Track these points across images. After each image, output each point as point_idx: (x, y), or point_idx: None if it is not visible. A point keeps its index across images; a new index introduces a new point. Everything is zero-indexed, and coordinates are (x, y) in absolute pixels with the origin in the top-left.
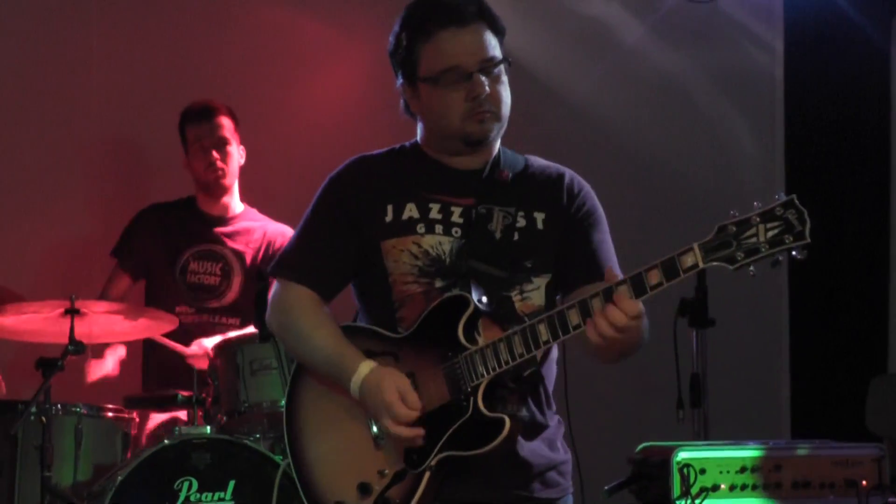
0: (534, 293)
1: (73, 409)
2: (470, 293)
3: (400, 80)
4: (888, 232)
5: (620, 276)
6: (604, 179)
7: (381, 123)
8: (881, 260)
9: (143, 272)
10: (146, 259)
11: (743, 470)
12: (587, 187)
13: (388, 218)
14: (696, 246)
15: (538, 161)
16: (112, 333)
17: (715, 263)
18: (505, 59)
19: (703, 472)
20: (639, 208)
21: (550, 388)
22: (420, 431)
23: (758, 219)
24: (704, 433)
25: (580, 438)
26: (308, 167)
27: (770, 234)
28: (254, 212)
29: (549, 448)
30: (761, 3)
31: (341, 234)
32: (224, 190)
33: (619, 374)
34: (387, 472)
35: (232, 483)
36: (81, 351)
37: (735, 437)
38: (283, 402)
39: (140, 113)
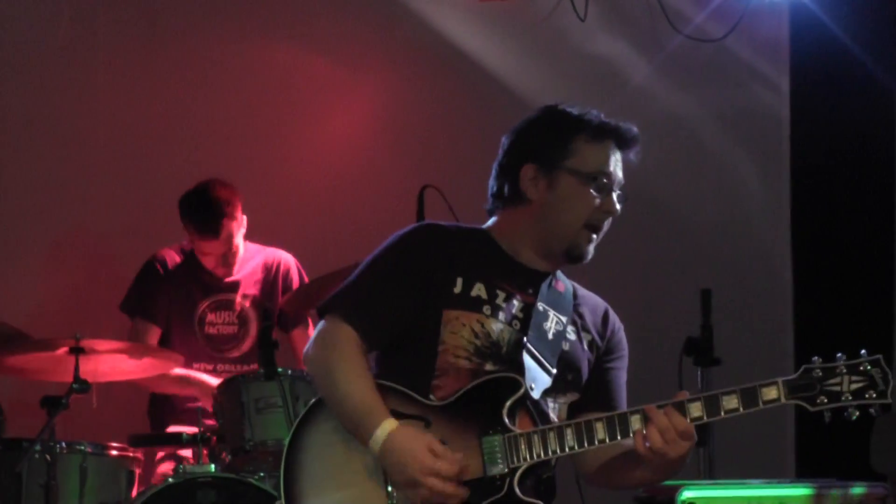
0: (562, 406)
1: (78, 447)
2: (523, 379)
3: (521, 162)
4: (893, 272)
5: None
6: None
7: (389, 162)
8: (886, 299)
9: (165, 323)
10: (166, 309)
11: None
12: (623, 327)
13: (457, 289)
14: (780, 382)
15: (581, 288)
16: (117, 372)
17: (796, 402)
18: (624, 196)
19: None
20: (644, 247)
21: (553, 498)
22: (466, 491)
23: (843, 370)
24: (709, 472)
25: None
26: (316, 206)
27: (854, 386)
28: (248, 246)
29: None
30: (767, 42)
31: (405, 292)
32: (231, 274)
33: None
34: None
35: None
36: (86, 389)
37: (740, 475)
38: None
39: (146, 156)
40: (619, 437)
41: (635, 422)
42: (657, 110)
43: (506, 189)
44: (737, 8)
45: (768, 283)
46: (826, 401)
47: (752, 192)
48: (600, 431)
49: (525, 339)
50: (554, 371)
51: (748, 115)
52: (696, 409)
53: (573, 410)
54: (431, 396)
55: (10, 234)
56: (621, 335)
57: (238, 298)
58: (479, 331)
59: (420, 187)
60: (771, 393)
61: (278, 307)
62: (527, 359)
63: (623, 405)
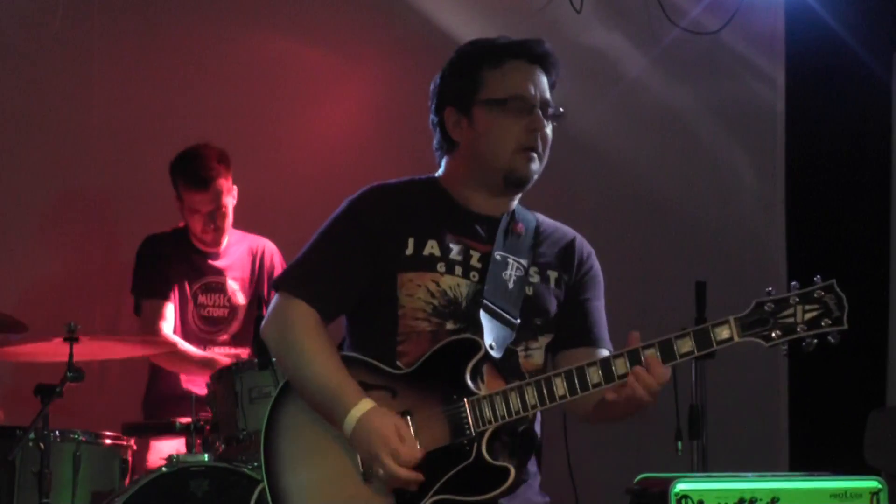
0: (536, 352)
1: (72, 435)
2: (482, 339)
3: (442, 109)
4: (888, 266)
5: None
6: (605, 211)
7: (383, 153)
8: (881, 293)
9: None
10: (171, 286)
11: (741, 502)
12: (593, 252)
13: (409, 251)
14: (731, 319)
15: (547, 220)
16: (111, 352)
17: (750, 339)
18: (559, 111)
19: (700, 503)
20: (640, 240)
21: (534, 448)
22: (419, 476)
23: (796, 299)
24: (703, 465)
25: (578, 469)
26: (309, 198)
27: (808, 315)
28: (234, 233)
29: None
30: (763, 35)
31: (356, 259)
32: (219, 244)
33: None
34: None
35: None
36: (80, 378)
37: (733, 468)
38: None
39: (140, 145)
40: (578, 392)
41: (593, 374)
42: (652, 103)
43: (439, 138)
44: (732, 1)
45: (763, 275)
46: (780, 334)
47: (747, 185)
48: (560, 388)
49: (483, 292)
50: (517, 321)
51: (743, 109)
52: (651, 355)
53: (555, 349)
54: (398, 363)
55: (4, 222)
56: (591, 263)
57: (227, 282)
58: (435, 290)
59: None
60: (723, 332)
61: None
62: (486, 313)
63: (603, 337)
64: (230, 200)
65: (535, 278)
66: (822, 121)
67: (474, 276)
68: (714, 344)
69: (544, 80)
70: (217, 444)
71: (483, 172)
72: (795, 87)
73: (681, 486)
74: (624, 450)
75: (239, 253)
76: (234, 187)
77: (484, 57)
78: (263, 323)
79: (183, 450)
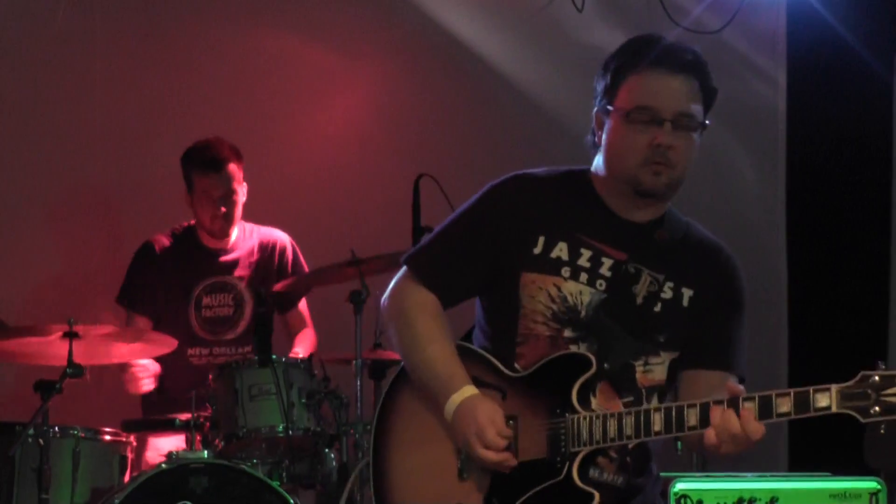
0: (657, 367)
1: (71, 431)
2: (596, 353)
3: (595, 107)
4: (888, 266)
5: (737, 376)
6: None
7: (383, 151)
8: (881, 294)
9: (156, 311)
10: (157, 297)
11: (740, 501)
12: (740, 270)
13: (537, 250)
14: (834, 388)
15: (699, 230)
16: (110, 355)
17: (848, 412)
18: (702, 124)
19: (700, 503)
20: None
21: (648, 461)
22: (509, 458)
23: None
24: (702, 464)
25: None
26: (310, 195)
27: None
28: (243, 225)
29: None
30: (765, 35)
31: (482, 250)
32: (228, 235)
33: None
34: None
35: None
36: (80, 374)
37: (733, 468)
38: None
39: (142, 143)
40: (674, 431)
41: (691, 416)
42: None
43: (590, 134)
44: (734, 0)
45: (763, 275)
46: (879, 412)
47: (748, 185)
48: (657, 424)
49: (608, 302)
50: (638, 339)
51: (745, 108)
52: (748, 409)
53: (680, 367)
54: (516, 365)
55: (5, 220)
56: (734, 283)
57: (234, 280)
58: (556, 295)
59: (416, 176)
60: (822, 400)
61: (274, 289)
62: (605, 327)
63: (729, 361)
64: (241, 191)
65: (668, 294)
66: (824, 121)
67: (601, 284)
68: (812, 410)
69: (686, 90)
70: (217, 440)
71: (615, 179)
72: (797, 86)
73: (680, 486)
74: None
75: (249, 247)
76: (245, 184)
77: (627, 62)
78: (385, 297)
79: (182, 446)
